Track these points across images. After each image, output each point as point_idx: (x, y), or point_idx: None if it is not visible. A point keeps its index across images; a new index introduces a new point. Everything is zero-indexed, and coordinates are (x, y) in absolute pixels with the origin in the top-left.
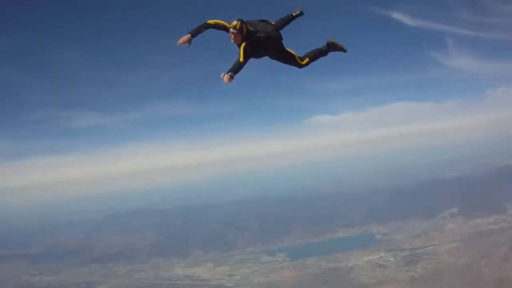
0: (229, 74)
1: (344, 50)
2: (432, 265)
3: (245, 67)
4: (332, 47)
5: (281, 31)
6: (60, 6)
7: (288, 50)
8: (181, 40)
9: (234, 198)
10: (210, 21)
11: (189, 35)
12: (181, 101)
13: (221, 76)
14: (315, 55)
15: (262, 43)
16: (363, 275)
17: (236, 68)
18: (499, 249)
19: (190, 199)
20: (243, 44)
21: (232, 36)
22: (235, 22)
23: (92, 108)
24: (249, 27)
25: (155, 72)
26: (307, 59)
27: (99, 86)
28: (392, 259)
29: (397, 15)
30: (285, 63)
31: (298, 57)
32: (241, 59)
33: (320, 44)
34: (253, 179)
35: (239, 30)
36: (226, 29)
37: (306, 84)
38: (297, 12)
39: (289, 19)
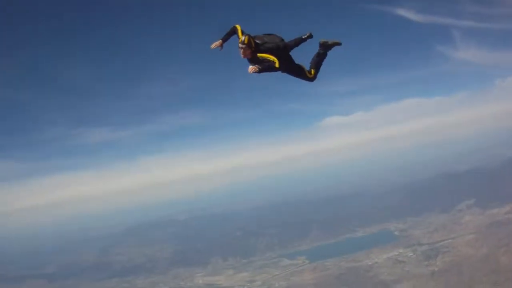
0: (257, 67)
1: (338, 44)
2: (452, 258)
3: (256, 76)
4: (326, 46)
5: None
6: (69, 22)
7: (297, 63)
8: (213, 45)
9: (250, 205)
10: (238, 25)
11: (220, 40)
12: (192, 111)
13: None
14: (318, 63)
15: (276, 54)
16: (383, 272)
17: (266, 69)
18: None
19: (206, 209)
20: (260, 54)
21: (242, 51)
22: (242, 38)
23: (104, 123)
24: (256, 41)
25: (165, 84)
26: (313, 70)
27: (109, 101)
28: (411, 254)
29: (401, 11)
30: (295, 75)
31: (307, 70)
32: (272, 58)
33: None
34: (268, 184)
35: (248, 45)
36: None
37: (315, 88)
38: (307, 35)
39: (299, 41)
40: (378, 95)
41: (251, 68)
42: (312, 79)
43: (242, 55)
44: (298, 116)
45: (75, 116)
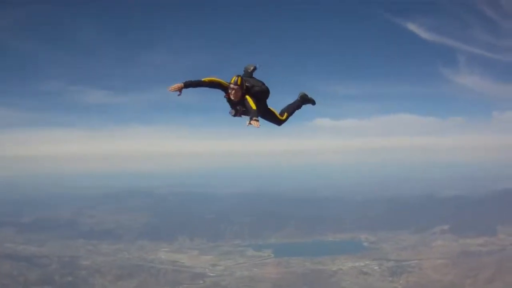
0: (255, 119)
1: (313, 103)
2: (416, 279)
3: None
4: (304, 99)
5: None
6: None
7: (270, 107)
8: (172, 88)
9: (231, 191)
10: (205, 79)
11: (181, 84)
12: (191, 88)
13: (249, 124)
14: (292, 110)
15: (258, 97)
16: (345, 280)
17: (256, 115)
18: (486, 271)
19: (187, 187)
20: (247, 97)
21: (233, 92)
22: (235, 78)
23: (104, 86)
24: (245, 83)
25: (171, 57)
26: (286, 115)
27: (114, 65)
28: (376, 268)
29: (412, 26)
30: (267, 119)
31: (278, 113)
32: (254, 107)
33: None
34: (252, 174)
35: (241, 86)
36: (221, 86)
37: (314, 84)
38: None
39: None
40: (373, 104)
41: (255, 124)
42: (282, 122)
43: (233, 97)
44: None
45: (76, 74)
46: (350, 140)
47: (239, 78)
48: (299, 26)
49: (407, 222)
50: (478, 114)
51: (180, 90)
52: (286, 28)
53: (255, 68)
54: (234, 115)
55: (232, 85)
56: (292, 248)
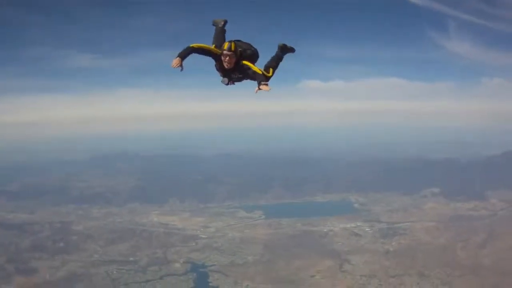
0: (264, 83)
1: (293, 50)
2: (408, 241)
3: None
4: (284, 49)
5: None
6: None
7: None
8: (174, 64)
9: (219, 152)
10: (194, 45)
11: (179, 58)
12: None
13: (259, 90)
14: (276, 64)
15: (250, 61)
16: (337, 242)
17: (264, 79)
18: (477, 235)
19: (175, 149)
20: (246, 62)
21: (227, 59)
22: (228, 44)
23: (89, 50)
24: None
25: (157, 21)
26: (271, 70)
27: (99, 28)
28: (368, 229)
29: None
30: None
31: (263, 71)
32: (260, 71)
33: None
34: (240, 135)
35: (235, 51)
36: (212, 54)
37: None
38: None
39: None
40: (361, 67)
41: (266, 87)
42: (270, 78)
43: (226, 64)
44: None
45: (62, 38)
46: (338, 102)
47: (233, 44)
48: None
49: (397, 184)
50: (467, 80)
51: (180, 65)
52: None
53: (225, 22)
54: (227, 84)
55: (225, 51)
56: (283, 209)
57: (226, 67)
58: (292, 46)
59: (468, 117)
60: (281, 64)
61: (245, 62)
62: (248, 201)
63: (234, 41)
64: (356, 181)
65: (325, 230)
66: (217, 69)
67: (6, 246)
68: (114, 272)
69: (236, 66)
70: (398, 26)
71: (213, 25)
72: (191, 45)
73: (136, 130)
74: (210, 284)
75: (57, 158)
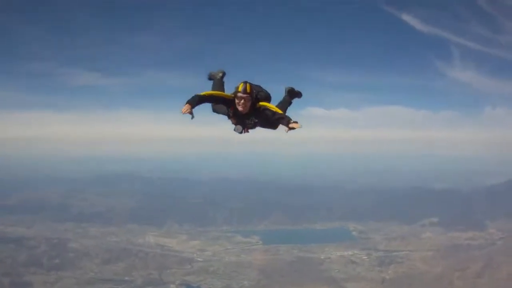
0: (293, 121)
1: (300, 95)
2: (405, 269)
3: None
4: (292, 94)
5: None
6: None
7: None
8: (184, 110)
9: (219, 176)
10: (202, 93)
11: (188, 105)
12: (182, 72)
13: (290, 130)
14: (285, 109)
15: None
16: (334, 269)
17: (289, 118)
18: (475, 265)
19: (176, 172)
20: (264, 104)
21: (242, 102)
22: (243, 85)
23: (93, 68)
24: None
25: (161, 40)
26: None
27: (103, 47)
28: (365, 257)
29: (407, 17)
30: (265, 125)
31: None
32: (280, 111)
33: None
34: (241, 161)
35: (250, 94)
36: (224, 100)
37: (305, 72)
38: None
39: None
40: (364, 95)
41: (297, 124)
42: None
43: (241, 108)
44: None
45: (66, 55)
46: (341, 130)
47: (248, 85)
48: (292, 14)
49: (396, 213)
50: (470, 108)
51: (191, 112)
52: (279, 16)
53: (224, 74)
54: (241, 132)
55: (240, 94)
56: (281, 236)
57: (241, 111)
58: (299, 90)
59: (471, 146)
60: (282, 90)
61: (262, 103)
62: (246, 227)
63: (249, 83)
64: (355, 209)
65: (322, 257)
66: (229, 116)
67: (2, 260)
68: None
69: (252, 110)
70: (403, 53)
71: (210, 78)
72: (199, 94)
73: (138, 151)
74: None
75: (58, 175)
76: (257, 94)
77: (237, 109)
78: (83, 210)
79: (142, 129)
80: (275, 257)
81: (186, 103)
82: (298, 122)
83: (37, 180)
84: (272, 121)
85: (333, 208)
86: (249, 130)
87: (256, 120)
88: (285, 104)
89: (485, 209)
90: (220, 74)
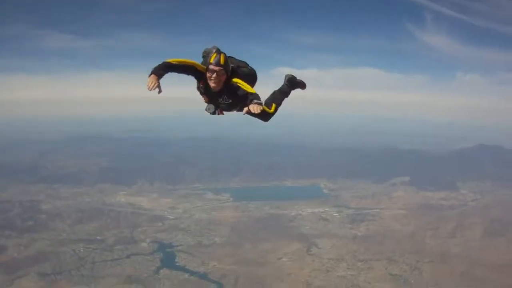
0: (256, 102)
1: (303, 86)
2: (376, 227)
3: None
4: (292, 83)
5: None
6: None
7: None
8: (150, 85)
9: (190, 135)
10: (171, 60)
11: (154, 76)
12: (154, 33)
13: (248, 112)
14: (281, 100)
15: (246, 82)
16: (305, 226)
17: (258, 97)
18: (447, 224)
19: (148, 132)
20: (237, 80)
21: (214, 76)
22: (216, 55)
23: (65, 30)
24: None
25: (134, 1)
26: (273, 106)
27: (75, 8)
28: (336, 214)
29: None
30: (252, 114)
31: (265, 105)
32: (253, 90)
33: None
34: (210, 119)
35: (225, 66)
36: (194, 70)
37: (277, 32)
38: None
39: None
40: (335, 56)
41: (257, 106)
42: (271, 116)
43: (213, 83)
44: (251, 59)
45: (37, 17)
46: (312, 90)
47: (222, 56)
48: None
49: (367, 172)
50: (442, 73)
51: (158, 85)
52: None
53: (218, 51)
54: (214, 112)
55: (212, 66)
56: (251, 193)
57: (212, 88)
58: (302, 80)
59: (442, 110)
60: (256, 50)
61: (236, 80)
62: (216, 184)
63: (224, 53)
64: (326, 167)
65: (293, 214)
66: (201, 92)
67: None
68: (82, 250)
69: (226, 87)
70: (376, 16)
71: (203, 56)
72: (167, 60)
73: (109, 112)
74: (177, 263)
75: (30, 138)
76: (236, 69)
77: (208, 84)
78: (55, 171)
79: (115, 90)
80: (246, 214)
81: (151, 73)
82: (262, 104)
83: (9, 144)
84: (245, 102)
85: (303, 166)
86: (224, 113)
87: (230, 100)
88: (281, 94)
89: (456, 171)
90: (214, 51)
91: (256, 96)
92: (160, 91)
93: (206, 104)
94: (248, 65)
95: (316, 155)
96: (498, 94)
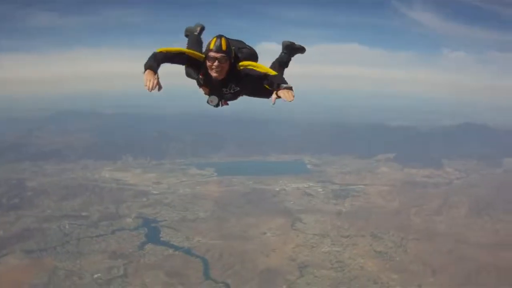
0: (286, 87)
1: (303, 50)
2: (361, 203)
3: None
4: (291, 50)
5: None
6: None
7: None
8: (149, 84)
9: (174, 111)
10: (163, 50)
11: (151, 72)
12: (137, 9)
13: (276, 100)
14: (282, 72)
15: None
16: (289, 200)
17: (284, 80)
18: (432, 202)
19: (131, 107)
20: (246, 63)
21: (216, 63)
22: (216, 40)
23: (49, 8)
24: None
25: None
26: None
27: None
28: (321, 190)
29: None
30: (255, 94)
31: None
32: (273, 71)
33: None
34: (194, 94)
35: (227, 52)
36: (193, 60)
37: (260, 7)
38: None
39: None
40: (320, 31)
41: (289, 93)
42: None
43: (215, 74)
44: (235, 34)
45: None
46: (296, 65)
47: (223, 40)
48: None
49: (351, 148)
50: (428, 50)
51: (158, 83)
52: None
53: (202, 29)
54: (217, 105)
55: (213, 53)
56: (235, 168)
57: (215, 78)
58: (301, 44)
59: (427, 88)
60: (240, 25)
61: (244, 63)
62: (200, 159)
63: (224, 36)
64: (309, 143)
65: (277, 189)
66: (200, 84)
67: None
68: (67, 226)
69: (231, 74)
70: None
71: (186, 35)
72: (158, 51)
73: (95, 88)
74: (161, 238)
75: (14, 116)
76: (236, 52)
77: (209, 74)
78: (40, 148)
79: (98, 66)
80: (230, 188)
81: (146, 70)
82: (292, 90)
83: None
84: (260, 86)
85: (287, 141)
86: (229, 103)
87: (238, 88)
88: (280, 64)
89: (441, 148)
90: (198, 29)
91: (280, 79)
92: (160, 88)
93: (206, 97)
94: (246, 44)
95: (300, 130)
96: (484, 72)
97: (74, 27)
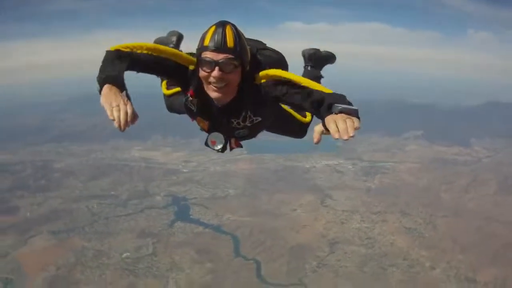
0: (353, 119)
1: (333, 59)
2: (390, 180)
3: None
4: (317, 59)
5: None
6: None
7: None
8: (118, 119)
9: None
10: (122, 48)
11: (114, 91)
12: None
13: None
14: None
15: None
16: (319, 178)
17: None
18: (461, 179)
19: (157, 87)
20: (273, 72)
21: (216, 72)
22: (218, 31)
23: None
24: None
25: None
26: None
27: None
28: (350, 167)
29: None
30: (279, 130)
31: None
32: (329, 90)
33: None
34: None
35: (236, 50)
36: (171, 66)
37: None
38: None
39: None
40: (345, 10)
41: (351, 128)
42: (307, 127)
43: (215, 89)
44: (259, 14)
45: None
46: (320, 44)
47: (229, 29)
48: None
49: (378, 125)
50: (452, 30)
51: (132, 113)
52: None
53: (180, 38)
54: (224, 148)
55: (210, 53)
56: (266, 146)
57: (216, 100)
58: (328, 51)
59: (451, 66)
60: (263, 5)
61: (269, 72)
62: None
63: (230, 24)
64: None
65: (307, 166)
66: (192, 112)
67: None
68: (95, 206)
69: (244, 93)
70: None
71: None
72: (114, 49)
73: None
74: (191, 216)
75: (37, 101)
76: (255, 54)
77: (205, 93)
78: (64, 130)
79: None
80: (261, 166)
81: (102, 85)
82: (360, 120)
83: (16, 108)
84: (294, 119)
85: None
86: (241, 144)
87: (259, 118)
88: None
89: (467, 127)
90: (174, 39)
91: (339, 99)
92: (135, 120)
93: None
94: (267, 46)
95: None
96: (510, 53)
97: (93, 10)
